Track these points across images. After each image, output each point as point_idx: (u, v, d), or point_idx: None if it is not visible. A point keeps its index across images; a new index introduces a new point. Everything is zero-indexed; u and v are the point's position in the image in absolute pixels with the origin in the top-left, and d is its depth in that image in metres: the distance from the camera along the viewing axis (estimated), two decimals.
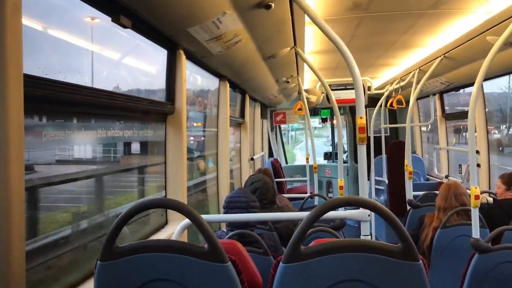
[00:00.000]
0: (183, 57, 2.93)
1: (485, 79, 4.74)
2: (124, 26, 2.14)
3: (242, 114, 5.84)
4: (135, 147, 3.07)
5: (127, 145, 2.97)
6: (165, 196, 2.98)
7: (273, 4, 2.41)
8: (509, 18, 2.96)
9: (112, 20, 2.08)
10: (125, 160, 3.06)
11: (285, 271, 1.47)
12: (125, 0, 1.98)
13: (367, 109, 8.47)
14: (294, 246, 1.47)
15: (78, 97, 1.91)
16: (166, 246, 1.54)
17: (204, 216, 2.70)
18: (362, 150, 2.44)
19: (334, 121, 9.06)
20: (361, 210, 2.38)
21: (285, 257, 1.48)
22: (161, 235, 2.82)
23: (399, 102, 6.93)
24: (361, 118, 2.38)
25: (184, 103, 2.98)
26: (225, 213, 2.92)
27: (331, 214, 2.92)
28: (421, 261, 1.46)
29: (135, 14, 2.13)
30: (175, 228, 2.41)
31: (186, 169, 3.04)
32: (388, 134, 8.18)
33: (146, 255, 1.53)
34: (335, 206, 1.54)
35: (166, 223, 3.03)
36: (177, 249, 1.52)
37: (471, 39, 3.68)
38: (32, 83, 1.54)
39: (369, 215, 2.38)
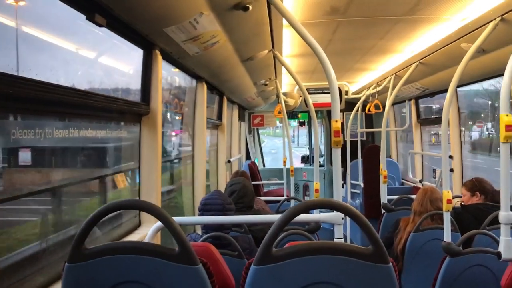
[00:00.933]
0: (159, 57, 2.91)
1: (459, 86, 4.83)
2: (99, 25, 2.11)
3: (220, 116, 5.81)
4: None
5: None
6: (139, 198, 2.95)
7: (250, 6, 2.40)
8: (482, 25, 3.01)
9: (87, 18, 2.04)
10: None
11: (256, 273, 1.47)
12: None
13: (344, 113, 8.55)
14: (266, 248, 1.47)
15: (50, 96, 1.87)
16: (136, 248, 1.52)
17: (178, 218, 2.70)
18: (337, 153, 2.45)
19: None
20: (335, 213, 2.39)
21: (257, 259, 1.47)
22: (134, 237, 2.79)
23: (376, 107, 7.00)
24: (336, 121, 2.39)
25: (159, 103, 2.95)
26: (200, 215, 2.90)
27: (306, 217, 2.96)
28: (391, 263, 1.47)
29: (111, 13, 2.10)
30: (147, 230, 2.38)
31: (160, 171, 3.01)
32: (365, 138, 8.26)
33: (116, 257, 1.50)
34: (307, 208, 1.55)
35: (139, 225, 3.00)
36: (147, 251, 1.50)
37: (446, 45, 3.74)
38: (2, 80, 1.50)
39: (342, 218, 2.39)
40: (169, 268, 1.50)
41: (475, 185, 3.96)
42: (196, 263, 1.51)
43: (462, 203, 4.22)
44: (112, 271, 1.50)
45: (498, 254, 2.44)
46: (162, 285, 1.50)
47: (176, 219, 2.54)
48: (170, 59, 3.18)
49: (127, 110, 2.71)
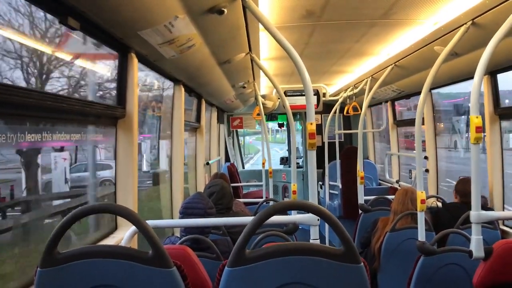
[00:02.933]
0: (135, 60, 2.89)
1: (433, 88, 4.92)
2: (73, 28, 2.09)
3: (198, 119, 5.81)
4: None
5: None
6: (115, 202, 2.92)
7: (226, 10, 2.41)
8: (454, 29, 3.08)
9: (60, 22, 2.02)
10: None
11: (229, 275, 1.48)
12: (72, 1, 1.93)
13: (322, 115, 8.62)
14: (239, 250, 1.48)
15: (21, 100, 1.85)
16: (109, 252, 1.51)
17: (156, 222, 2.69)
18: (312, 155, 2.47)
19: None
20: (311, 214, 2.41)
21: (230, 261, 1.48)
22: (110, 241, 2.77)
23: (354, 108, 7.08)
24: (311, 124, 2.41)
25: (135, 107, 2.93)
26: (181, 218, 2.90)
27: (282, 218, 2.97)
28: (362, 263, 1.50)
29: (84, 16, 2.08)
30: (123, 234, 2.37)
31: (137, 175, 2.99)
32: (343, 139, 8.34)
33: (89, 261, 1.50)
34: (280, 210, 1.56)
35: (115, 228, 2.97)
36: (120, 255, 1.50)
37: (420, 48, 3.81)
38: None
39: (318, 220, 2.41)
40: (143, 271, 1.50)
41: (456, 185, 4.05)
42: (169, 266, 1.51)
43: (443, 200, 4.31)
44: (85, 275, 1.49)
45: (470, 253, 2.49)
46: None
47: (153, 222, 2.53)
48: (147, 62, 3.16)
49: (103, 114, 2.69)
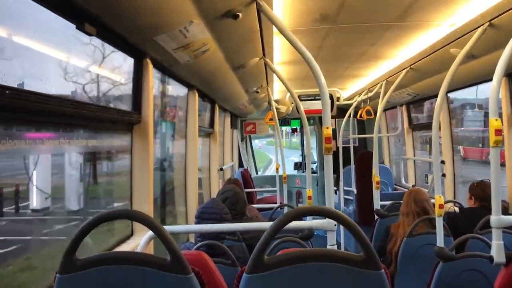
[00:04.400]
0: (150, 66, 2.90)
1: (449, 91, 4.86)
2: (89, 34, 2.10)
3: (212, 124, 5.81)
4: None
5: None
6: (131, 207, 2.93)
7: (240, 14, 2.41)
8: (471, 31, 3.04)
9: (77, 28, 2.04)
10: None
11: (248, 282, 1.46)
12: (89, 8, 1.94)
13: (337, 119, 8.57)
14: (257, 257, 1.46)
15: (41, 106, 1.86)
16: (127, 258, 1.50)
17: (171, 227, 2.69)
18: (328, 160, 2.45)
19: None
20: (328, 220, 2.39)
21: (249, 267, 1.46)
22: (126, 247, 2.77)
23: (368, 113, 7.03)
24: (327, 128, 2.39)
25: (151, 112, 2.94)
26: (196, 223, 2.90)
27: (299, 224, 2.95)
28: (383, 270, 1.47)
29: (100, 22, 2.09)
30: (140, 240, 2.37)
31: (152, 180, 2.99)
32: (357, 144, 8.29)
33: (107, 267, 1.49)
34: (298, 215, 1.54)
35: (131, 234, 2.97)
36: (138, 261, 1.49)
37: (436, 51, 3.77)
38: None
39: (335, 225, 2.39)
40: (161, 278, 1.48)
41: (473, 189, 3.98)
42: (188, 272, 1.50)
43: (461, 205, 4.25)
44: (104, 281, 1.49)
45: (491, 258, 2.44)
46: None
47: (169, 227, 2.53)
48: (161, 68, 3.17)
49: (119, 119, 2.70)
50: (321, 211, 1.61)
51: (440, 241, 2.93)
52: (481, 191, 3.88)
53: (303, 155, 10.41)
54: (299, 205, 8.94)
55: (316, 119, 9.01)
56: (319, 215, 1.63)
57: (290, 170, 9.21)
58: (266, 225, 2.98)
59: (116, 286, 1.49)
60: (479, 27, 2.92)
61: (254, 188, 7.75)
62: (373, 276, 1.46)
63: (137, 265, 1.49)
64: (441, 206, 2.94)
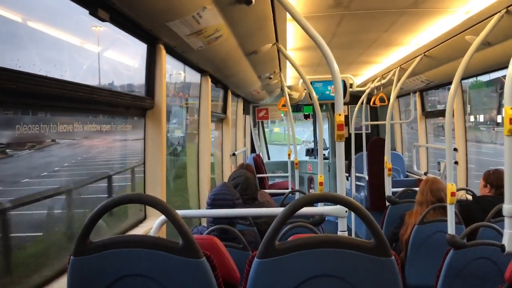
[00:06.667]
0: (163, 51, 2.91)
1: (464, 78, 4.81)
2: (102, 20, 2.11)
3: (224, 110, 5.83)
4: None
5: None
6: (144, 192, 2.97)
7: (253, 0, 2.40)
8: (487, 18, 3.00)
9: (90, 13, 2.05)
10: None
11: (259, 266, 1.48)
12: None
13: (349, 106, 8.53)
14: (269, 242, 1.48)
15: (55, 91, 1.88)
16: (140, 242, 1.53)
17: (184, 212, 2.72)
18: (340, 146, 2.45)
19: None
20: (339, 206, 2.40)
21: (260, 252, 1.49)
22: (139, 231, 2.81)
23: (381, 99, 6.99)
24: (339, 115, 2.39)
25: (164, 98, 2.96)
26: (208, 208, 2.92)
27: (310, 210, 2.97)
28: (393, 257, 1.48)
29: (114, 7, 2.11)
30: (153, 224, 2.40)
31: (165, 165, 3.03)
32: (369, 131, 8.25)
33: (120, 250, 1.52)
34: (310, 202, 1.56)
35: (145, 218, 3.02)
36: (150, 245, 1.52)
37: (450, 38, 3.72)
38: (5, 76, 1.51)
39: (346, 211, 2.40)
40: (173, 261, 1.51)
41: (489, 177, 3.95)
42: (199, 256, 1.52)
43: (473, 193, 4.24)
44: (116, 264, 1.52)
45: (502, 247, 2.44)
46: (166, 278, 1.52)
47: (182, 212, 2.56)
48: (174, 53, 3.18)
49: (132, 105, 2.72)
50: (333, 197, 1.63)
51: (451, 229, 2.93)
52: (496, 179, 3.86)
53: (315, 141, 10.39)
54: (311, 190, 8.96)
55: (328, 105, 8.97)
56: (330, 202, 1.65)
57: (301, 156, 9.22)
58: (278, 210, 3.01)
59: (128, 269, 1.52)
60: (495, 14, 2.88)
61: (266, 173, 7.78)
62: (383, 263, 1.47)
63: (149, 249, 1.52)
64: (453, 194, 2.94)
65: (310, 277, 1.48)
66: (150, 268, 1.52)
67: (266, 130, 10.48)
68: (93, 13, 2.03)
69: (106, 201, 1.54)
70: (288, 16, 3.15)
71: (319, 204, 3.89)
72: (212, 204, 2.91)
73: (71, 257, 1.53)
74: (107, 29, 2.55)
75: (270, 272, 1.48)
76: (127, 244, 1.53)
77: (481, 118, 17.28)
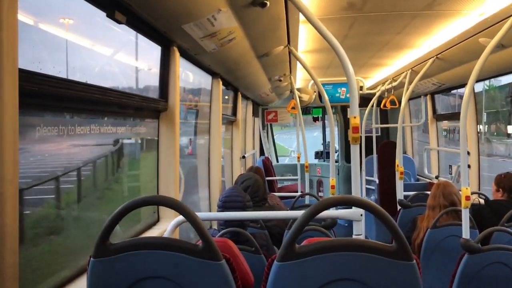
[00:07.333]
0: (177, 54, 2.92)
1: (477, 81, 4.78)
2: (119, 22, 2.13)
3: (234, 112, 5.83)
4: None
5: None
6: (157, 193, 2.97)
7: (268, 3, 2.40)
8: (502, 20, 2.98)
9: (107, 16, 2.06)
10: None
11: (279, 270, 1.48)
12: None
13: (359, 109, 8.48)
14: (289, 245, 1.47)
15: (71, 93, 1.89)
16: (160, 244, 1.53)
17: (197, 214, 2.71)
18: (355, 149, 2.44)
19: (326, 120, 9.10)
20: (354, 209, 2.38)
21: (280, 255, 1.48)
22: (153, 233, 2.81)
23: (392, 102, 6.96)
24: (354, 117, 2.38)
25: (177, 100, 2.96)
26: (219, 211, 2.92)
27: (323, 213, 2.95)
28: (414, 261, 1.47)
29: (130, 10, 2.12)
30: (167, 226, 2.40)
31: (178, 167, 3.03)
32: (379, 134, 8.22)
33: (140, 252, 1.52)
34: (330, 205, 1.55)
35: (158, 220, 3.02)
36: (171, 247, 1.52)
37: (464, 40, 3.70)
38: (27, 78, 1.52)
39: (361, 215, 2.38)
40: (193, 264, 1.51)
41: (501, 181, 3.91)
42: (219, 258, 1.52)
43: (486, 197, 4.19)
44: (136, 266, 1.52)
45: None
46: (186, 281, 1.52)
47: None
48: (187, 56, 3.19)
49: (146, 107, 2.73)
50: (354, 201, 1.62)
51: (466, 233, 2.91)
52: (509, 182, 3.82)
53: (324, 144, 10.37)
54: (320, 194, 8.93)
55: (338, 108, 8.95)
56: (353, 205, 1.64)
57: (311, 159, 9.19)
58: (290, 214, 3.00)
59: (148, 271, 1.53)
60: (510, 16, 2.86)
61: (275, 176, 7.77)
62: (405, 267, 1.46)
63: (169, 251, 1.52)
64: (467, 198, 2.91)
65: (330, 281, 1.47)
66: (170, 270, 1.52)
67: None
68: (110, 16, 2.04)
69: (126, 203, 1.55)
70: (301, 18, 3.15)
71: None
72: (223, 207, 2.91)
73: (91, 258, 1.53)
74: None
75: (290, 275, 1.47)
76: (147, 246, 1.53)
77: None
